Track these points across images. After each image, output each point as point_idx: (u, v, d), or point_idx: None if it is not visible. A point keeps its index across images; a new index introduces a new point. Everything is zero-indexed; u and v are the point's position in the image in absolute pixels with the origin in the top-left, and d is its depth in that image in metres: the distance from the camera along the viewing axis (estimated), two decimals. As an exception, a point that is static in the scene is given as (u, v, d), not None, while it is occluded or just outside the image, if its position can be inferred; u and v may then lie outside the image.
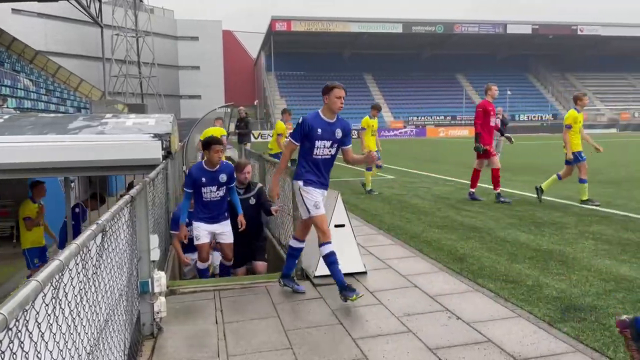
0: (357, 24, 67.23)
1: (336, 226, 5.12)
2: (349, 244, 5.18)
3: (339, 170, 17.30)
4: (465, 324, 3.89)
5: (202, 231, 5.73)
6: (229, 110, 16.69)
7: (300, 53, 71.36)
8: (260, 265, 6.51)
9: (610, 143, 33.30)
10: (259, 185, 6.64)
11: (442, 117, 65.24)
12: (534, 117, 66.53)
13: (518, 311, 4.12)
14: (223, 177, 5.60)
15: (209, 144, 5.53)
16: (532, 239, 6.56)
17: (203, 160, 5.71)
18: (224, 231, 5.87)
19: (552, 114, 66.86)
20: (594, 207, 8.71)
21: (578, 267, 5.27)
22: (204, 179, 5.53)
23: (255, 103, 63.80)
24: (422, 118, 64.70)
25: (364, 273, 5.21)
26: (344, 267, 5.10)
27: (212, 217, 5.75)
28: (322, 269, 5.05)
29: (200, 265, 6.02)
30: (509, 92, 60.56)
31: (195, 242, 5.78)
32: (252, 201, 6.35)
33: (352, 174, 15.17)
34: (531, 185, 10.72)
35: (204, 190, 5.58)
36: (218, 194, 5.66)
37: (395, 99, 68.61)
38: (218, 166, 5.60)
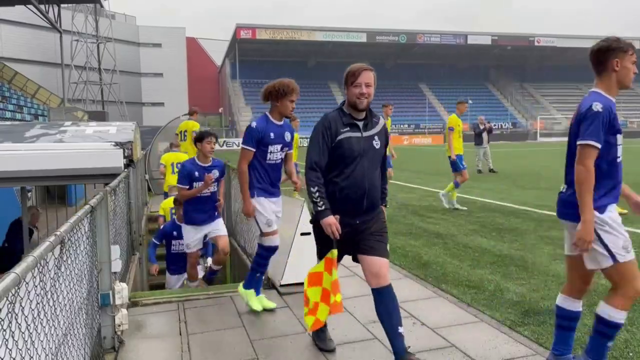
0: (322, 33, 67.61)
1: (302, 234, 5.11)
2: (315, 252, 5.18)
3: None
4: (429, 330, 3.94)
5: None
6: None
7: (265, 61, 71.18)
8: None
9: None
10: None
11: (406, 126, 66.14)
12: (494, 125, 68.30)
13: (480, 316, 4.21)
14: (288, 136, 4.48)
15: (284, 92, 4.23)
16: (494, 245, 6.71)
17: (267, 112, 4.42)
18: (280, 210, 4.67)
19: (511, 123, 68.69)
20: (552, 213, 8.98)
21: (537, 272, 5.42)
22: (272, 134, 4.31)
23: (220, 111, 63.31)
24: (387, 126, 65.48)
25: (330, 281, 5.21)
26: (310, 275, 5.09)
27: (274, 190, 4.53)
28: (288, 278, 5.04)
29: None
30: (470, 102, 61.97)
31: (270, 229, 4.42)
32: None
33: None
34: (492, 192, 10.96)
35: (270, 148, 4.33)
36: (280, 155, 4.45)
37: (360, 107, 69.14)
38: (283, 122, 4.43)
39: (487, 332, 3.88)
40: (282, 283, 5.02)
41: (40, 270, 2.01)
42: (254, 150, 4.26)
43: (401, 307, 4.46)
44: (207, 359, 3.57)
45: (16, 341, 1.67)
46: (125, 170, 5.61)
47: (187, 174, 5.57)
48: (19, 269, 1.64)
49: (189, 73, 75.50)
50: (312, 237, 5.15)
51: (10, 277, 1.56)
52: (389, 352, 3.58)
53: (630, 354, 3.43)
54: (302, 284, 5.03)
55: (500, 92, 78.22)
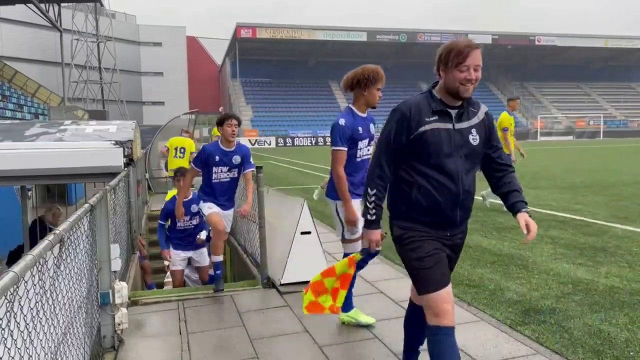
0: (322, 32, 67.55)
1: (302, 233, 5.11)
2: (315, 251, 5.18)
3: (305, 178, 17.31)
4: (429, 329, 3.93)
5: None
6: (193, 117, 16.48)
7: (265, 60, 71.22)
8: None
9: (567, 150, 34.45)
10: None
11: (407, 125, 66.15)
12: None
13: (480, 315, 4.20)
14: (372, 128, 4.04)
15: (373, 79, 3.80)
16: (494, 244, 6.70)
17: (350, 105, 4.06)
18: None
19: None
20: (552, 212, 8.98)
21: (537, 271, 5.41)
22: (360, 129, 3.91)
23: (220, 110, 63.31)
24: (387, 125, 65.48)
25: (330, 280, 5.20)
26: (309, 274, 5.10)
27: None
28: (288, 277, 5.04)
29: None
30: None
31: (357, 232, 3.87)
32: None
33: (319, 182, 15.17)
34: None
35: (360, 145, 3.95)
36: (368, 151, 4.00)
37: (360, 106, 69.10)
38: (366, 114, 3.99)
39: (487, 331, 3.87)
40: (282, 282, 5.02)
41: (40, 269, 2.00)
42: (346, 149, 3.78)
43: (401, 306, 4.46)
44: (207, 358, 3.57)
45: (15, 340, 1.67)
46: (125, 169, 5.60)
47: (205, 157, 5.42)
48: (17, 267, 1.63)
49: (189, 72, 75.49)
50: (312, 236, 5.18)
51: (8, 275, 1.55)
52: (389, 352, 3.58)
53: (631, 353, 3.42)
54: (302, 283, 5.05)
55: (500, 92, 78.15)
